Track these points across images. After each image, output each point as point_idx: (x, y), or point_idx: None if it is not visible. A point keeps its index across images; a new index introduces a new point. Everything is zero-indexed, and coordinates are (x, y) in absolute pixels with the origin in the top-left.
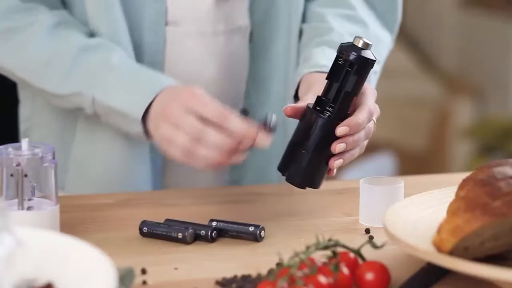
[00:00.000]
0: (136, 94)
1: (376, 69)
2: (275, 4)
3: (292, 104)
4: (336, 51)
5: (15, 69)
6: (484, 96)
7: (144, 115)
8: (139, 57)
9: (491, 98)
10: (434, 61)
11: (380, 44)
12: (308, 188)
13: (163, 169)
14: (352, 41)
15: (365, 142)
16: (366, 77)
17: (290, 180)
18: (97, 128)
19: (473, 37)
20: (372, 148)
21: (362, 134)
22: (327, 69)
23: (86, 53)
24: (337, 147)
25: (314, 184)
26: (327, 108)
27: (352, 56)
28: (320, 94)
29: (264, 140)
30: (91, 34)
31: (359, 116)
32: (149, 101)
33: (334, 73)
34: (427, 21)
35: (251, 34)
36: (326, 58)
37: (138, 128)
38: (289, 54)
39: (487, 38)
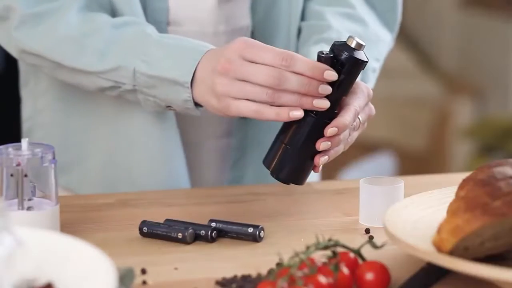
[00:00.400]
0: (180, 59)
1: (376, 67)
2: (276, 3)
3: None
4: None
5: (47, 52)
6: (484, 96)
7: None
8: None
9: (491, 98)
10: (434, 61)
11: (380, 42)
12: (292, 184)
13: (191, 165)
14: (345, 40)
15: (351, 139)
16: (356, 77)
17: (275, 175)
18: (123, 125)
19: (473, 37)
20: (372, 148)
21: (346, 132)
22: None
23: (120, 29)
24: (321, 145)
25: (299, 180)
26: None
27: (344, 55)
28: None
29: (331, 74)
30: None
31: (346, 117)
32: (196, 63)
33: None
34: (427, 21)
35: (252, 33)
36: None
37: (186, 95)
38: None
39: (487, 38)
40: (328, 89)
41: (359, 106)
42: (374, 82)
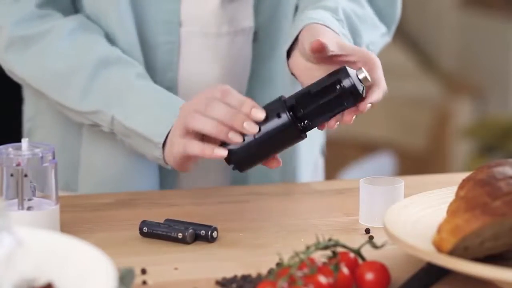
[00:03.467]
0: (158, 119)
1: (372, 50)
2: (280, 4)
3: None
4: (330, 13)
5: (32, 80)
6: (484, 96)
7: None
8: (151, 58)
9: (491, 98)
10: (434, 61)
11: (375, 27)
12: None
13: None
14: (355, 69)
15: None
16: (347, 107)
17: (232, 164)
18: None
19: (473, 37)
20: (372, 148)
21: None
22: (323, 22)
23: (106, 69)
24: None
25: (241, 168)
26: (304, 121)
27: (347, 83)
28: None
29: (258, 113)
30: (109, 37)
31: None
32: (171, 126)
33: (325, 89)
34: (427, 21)
35: (255, 34)
36: (320, 14)
37: (157, 153)
38: None
39: (487, 38)
40: (254, 129)
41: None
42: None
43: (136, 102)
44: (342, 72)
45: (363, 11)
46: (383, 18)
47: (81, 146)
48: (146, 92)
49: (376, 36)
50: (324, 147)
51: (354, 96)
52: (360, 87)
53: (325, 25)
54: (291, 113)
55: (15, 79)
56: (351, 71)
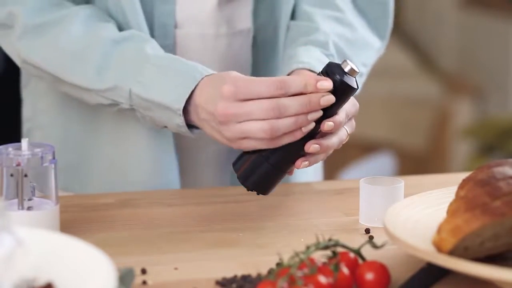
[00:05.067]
0: (176, 85)
1: (363, 71)
2: (277, 7)
3: None
4: (320, 49)
5: (46, 65)
6: (484, 96)
7: (186, 106)
8: None
9: (491, 98)
10: (434, 61)
11: (368, 47)
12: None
13: (185, 169)
14: (340, 62)
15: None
16: (346, 101)
17: (242, 180)
18: (122, 130)
19: (473, 37)
20: (372, 148)
21: (335, 141)
22: (309, 66)
23: (120, 45)
24: (311, 147)
25: (265, 192)
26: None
27: (336, 79)
28: None
29: (325, 84)
30: (120, 27)
31: (341, 115)
32: (190, 91)
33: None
34: (427, 21)
35: (254, 37)
36: (309, 56)
37: (179, 120)
38: None
39: (487, 38)
40: (331, 99)
41: (349, 110)
42: (360, 87)
43: (152, 72)
44: (331, 72)
45: (354, 34)
46: (377, 30)
47: (81, 148)
48: (161, 61)
49: (369, 54)
50: None
51: (347, 92)
52: (350, 81)
53: (311, 70)
54: None
55: (31, 71)
56: (334, 67)
